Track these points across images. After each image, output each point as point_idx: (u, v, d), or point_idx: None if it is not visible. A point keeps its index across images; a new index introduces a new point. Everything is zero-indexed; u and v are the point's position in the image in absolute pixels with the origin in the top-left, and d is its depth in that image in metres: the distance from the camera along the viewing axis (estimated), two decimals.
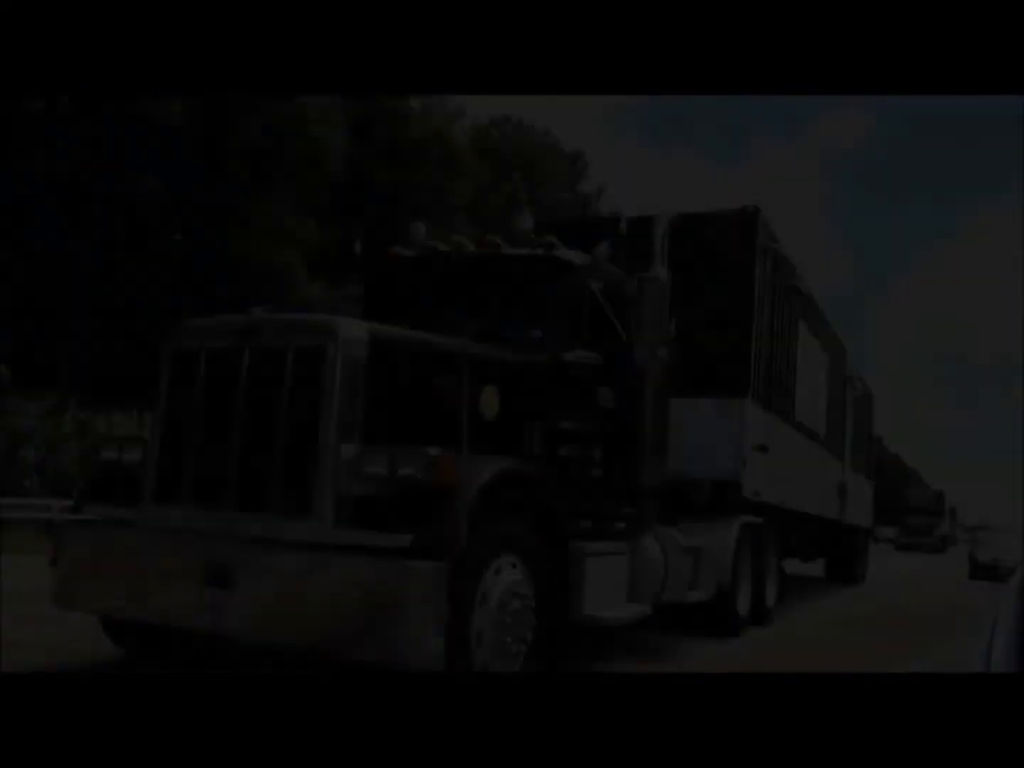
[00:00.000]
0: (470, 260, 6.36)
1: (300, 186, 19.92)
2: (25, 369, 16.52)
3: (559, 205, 27.69)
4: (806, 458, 11.67)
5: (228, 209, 18.97)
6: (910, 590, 16.85)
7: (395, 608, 4.03)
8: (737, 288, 8.80)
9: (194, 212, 18.05)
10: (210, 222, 18.63)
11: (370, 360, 4.53)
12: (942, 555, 40.69)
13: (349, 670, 3.91)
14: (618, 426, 6.46)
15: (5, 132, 15.15)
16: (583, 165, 35.96)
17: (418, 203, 21.71)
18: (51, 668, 4.86)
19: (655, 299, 6.02)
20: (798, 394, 10.93)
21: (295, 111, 18.51)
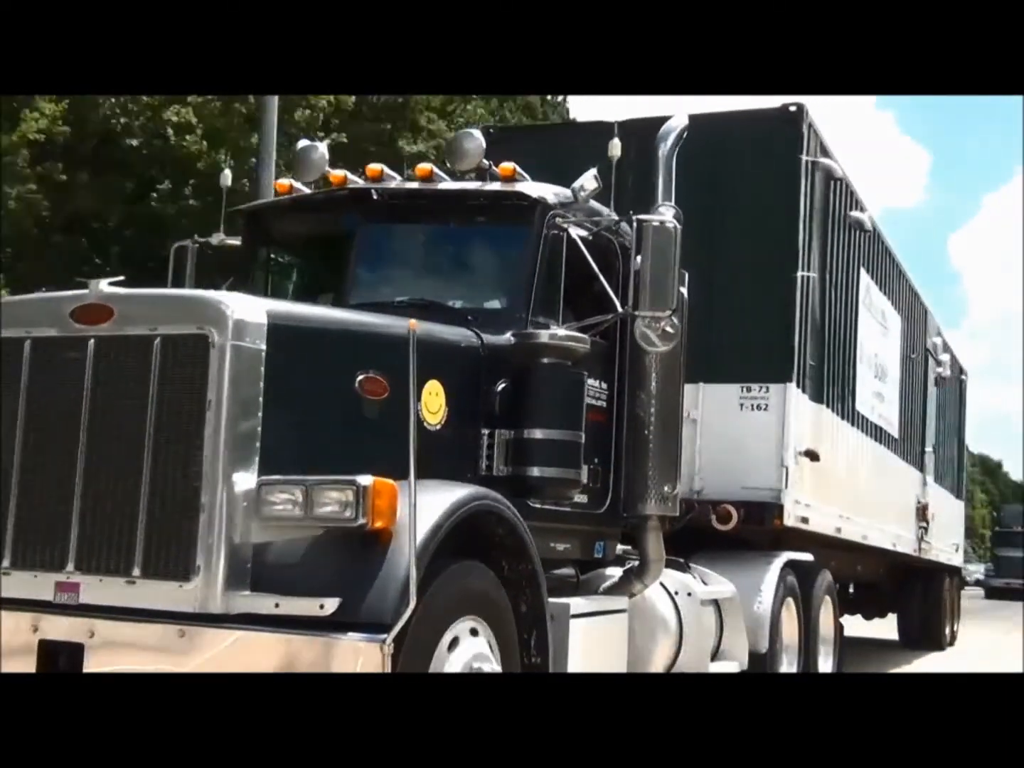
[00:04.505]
0: (399, 198, 6.66)
1: None
2: None
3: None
4: (872, 468, 12.31)
5: None
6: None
7: None
8: (775, 224, 9.29)
9: None
10: None
11: (271, 352, 4.82)
12: None
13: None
14: (611, 433, 6.88)
15: None
16: None
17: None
18: None
19: (661, 250, 6.19)
20: (861, 377, 11.53)
21: None
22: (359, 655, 4.38)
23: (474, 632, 5.11)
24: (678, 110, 7.47)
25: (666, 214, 6.53)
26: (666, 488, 6.97)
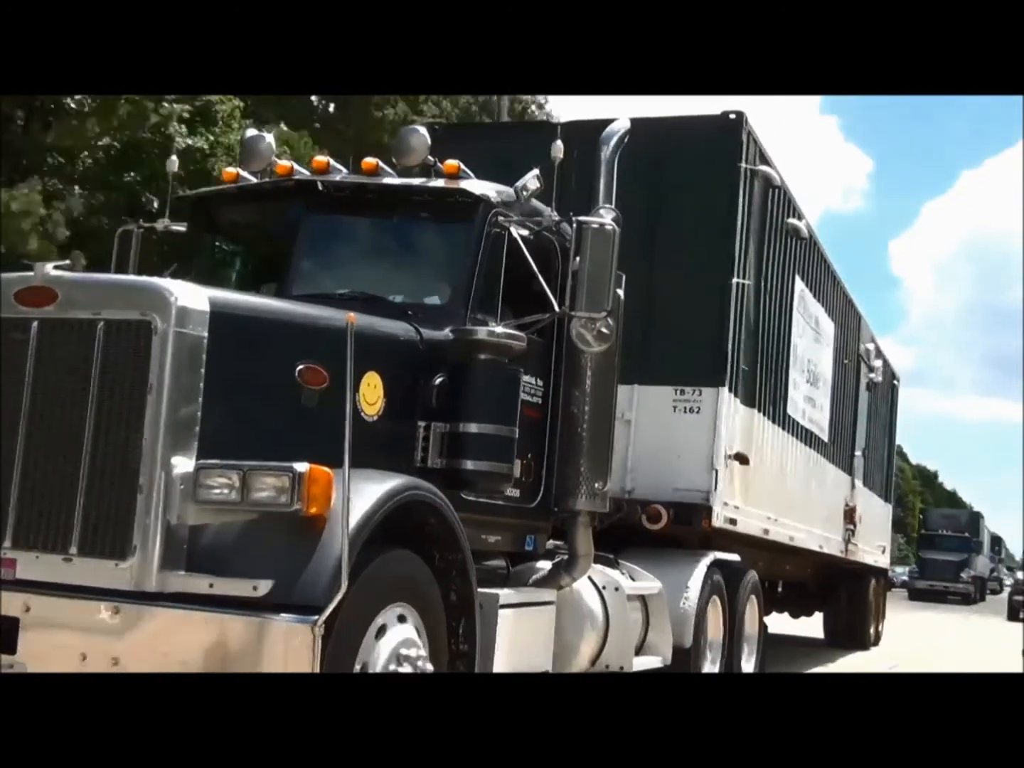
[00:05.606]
0: (344, 191, 6.78)
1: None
2: None
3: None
4: (801, 471, 12.65)
5: None
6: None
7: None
8: (712, 230, 9.54)
9: None
10: None
11: (212, 340, 4.95)
12: (977, 607, 42.39)
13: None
14: (545, 429, 7.08)
15: None
16: None
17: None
18: None
19: (599, 252, 6.34)
20: (793, 382, 11.84)
21: None
22: (290, 636, 4.53)
23: (402, 618, 5.27)
24: (622, 112, 7.62)
25: (606, 217, 6.64)
26: (597, 485, 7.17)
